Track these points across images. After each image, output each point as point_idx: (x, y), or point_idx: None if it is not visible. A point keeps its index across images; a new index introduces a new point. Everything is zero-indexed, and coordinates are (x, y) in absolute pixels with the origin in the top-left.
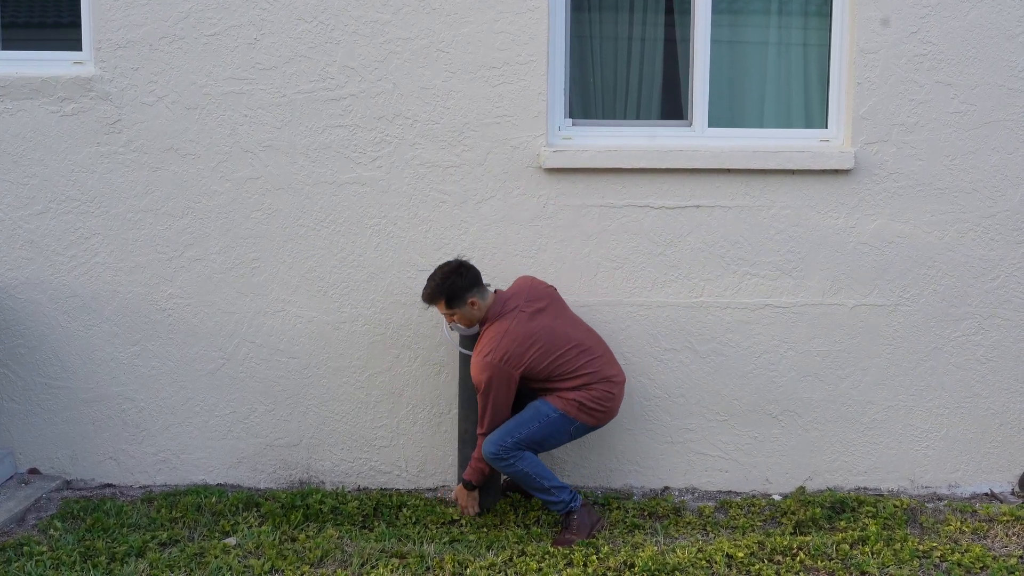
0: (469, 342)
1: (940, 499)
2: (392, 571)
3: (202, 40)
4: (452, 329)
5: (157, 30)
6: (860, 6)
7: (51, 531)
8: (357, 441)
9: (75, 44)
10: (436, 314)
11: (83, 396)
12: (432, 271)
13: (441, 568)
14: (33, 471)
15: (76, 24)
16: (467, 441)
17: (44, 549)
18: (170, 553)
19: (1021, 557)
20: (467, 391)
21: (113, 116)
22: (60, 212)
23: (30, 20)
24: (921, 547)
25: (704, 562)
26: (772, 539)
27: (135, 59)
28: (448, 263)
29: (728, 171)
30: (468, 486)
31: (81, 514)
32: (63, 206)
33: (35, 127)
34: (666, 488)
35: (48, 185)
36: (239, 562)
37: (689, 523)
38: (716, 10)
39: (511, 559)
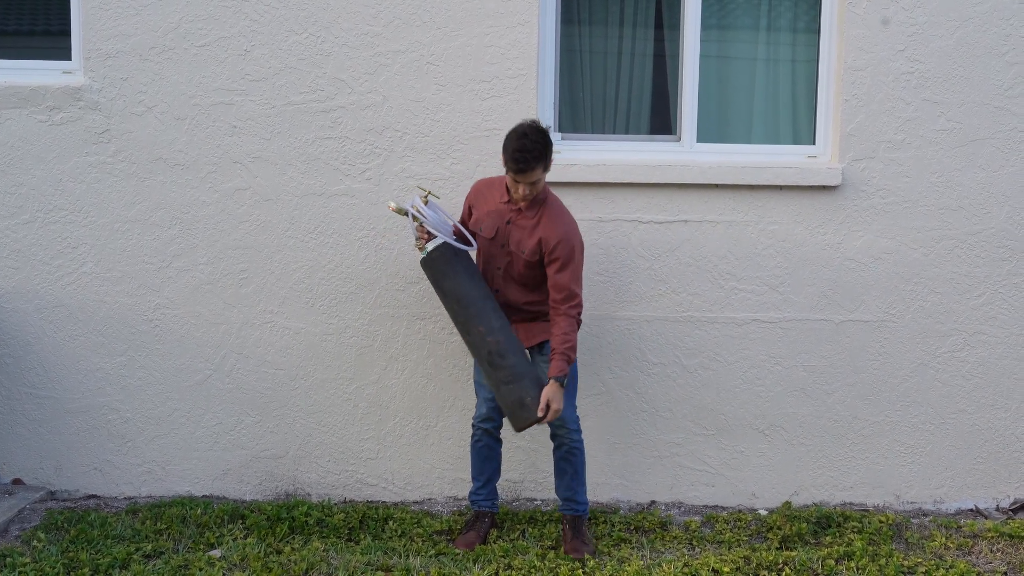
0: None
1: (925, 515)
2: None
3: (192, 51)
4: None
5: (147, 40)
6: (849, 23)
7: (34, 542)
8: (344, 453)
9: (65, 53)
10: (422, 322)
11: (68, 406)
12: (508, 136)
13: None
14: (17, 481)
15: (66, 33)
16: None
17: (27, 560)
18: (154, 565)
19: (1005, 573)
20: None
21: (102, 126)
22: (47, 222)
23: (19, 29)
24: (906, 563)
25: None
26: (758, 554)
27: (125, 69)
28: (524, 124)
29: (716, 186)
30: (563, 381)
31: (65, 525)
32: (50, 215)
33: (23, 136)
34: (653, 502)
35: (36, 194)
36: (224, 574)
37: (675, 537)
38: (705, 26)
39: (497, 573)
